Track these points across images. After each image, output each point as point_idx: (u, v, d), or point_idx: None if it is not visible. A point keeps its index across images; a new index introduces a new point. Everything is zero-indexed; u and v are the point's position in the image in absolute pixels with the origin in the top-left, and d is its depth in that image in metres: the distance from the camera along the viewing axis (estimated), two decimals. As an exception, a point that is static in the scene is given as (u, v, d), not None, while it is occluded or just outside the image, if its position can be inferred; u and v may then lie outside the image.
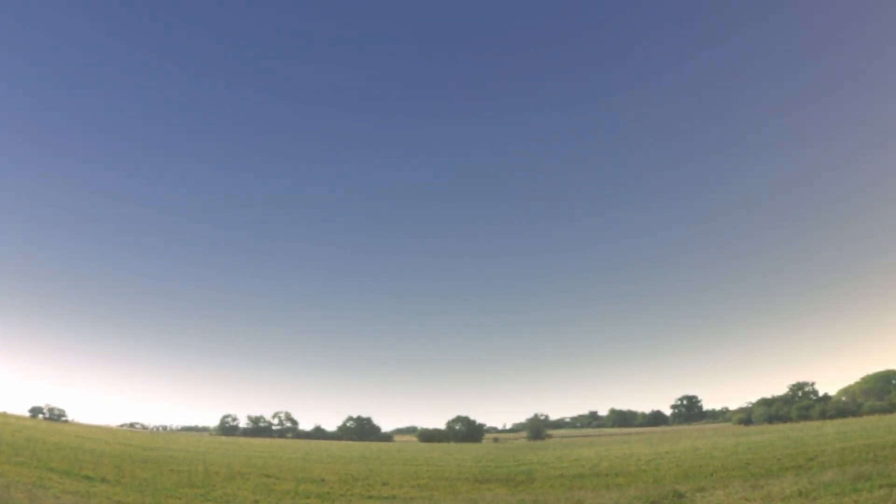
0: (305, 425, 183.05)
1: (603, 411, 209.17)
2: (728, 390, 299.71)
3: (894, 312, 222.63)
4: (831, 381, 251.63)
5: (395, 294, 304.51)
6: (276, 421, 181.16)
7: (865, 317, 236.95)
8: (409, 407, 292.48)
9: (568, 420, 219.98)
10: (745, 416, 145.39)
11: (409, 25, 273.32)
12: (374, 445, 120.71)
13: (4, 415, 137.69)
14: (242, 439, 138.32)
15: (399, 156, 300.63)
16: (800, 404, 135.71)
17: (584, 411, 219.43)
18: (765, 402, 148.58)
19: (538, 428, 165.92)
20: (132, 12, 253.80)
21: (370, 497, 26.89)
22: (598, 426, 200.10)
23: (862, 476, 21.06)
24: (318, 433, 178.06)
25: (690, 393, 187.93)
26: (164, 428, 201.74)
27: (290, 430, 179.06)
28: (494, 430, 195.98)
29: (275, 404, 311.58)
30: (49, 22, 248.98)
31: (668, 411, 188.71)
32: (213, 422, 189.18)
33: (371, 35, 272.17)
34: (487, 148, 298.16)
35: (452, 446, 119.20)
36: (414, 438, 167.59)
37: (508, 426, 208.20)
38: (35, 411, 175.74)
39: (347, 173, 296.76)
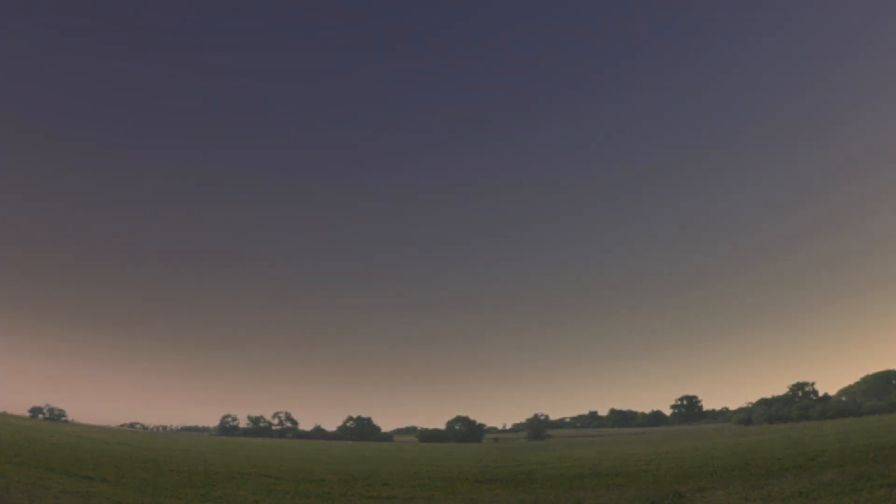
0: (305, 425, 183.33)
1: (603, 411, 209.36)
2: (728, 390, 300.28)
3: (894, 312, 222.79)
4: (831, 381, 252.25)
5: (395, 295, 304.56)
6: (276, 421, 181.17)
7: (865, 317, 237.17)
8: (409, 407, 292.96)
9: (568, 420, 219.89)
10: (745, 416, 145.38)
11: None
12: (374, 446, 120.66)
13: (4, 415, 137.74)
14: (242, 439, 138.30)
15: (410, 155, 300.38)
16: (800, 404, 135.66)
17: (584, 411, 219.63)
18: (765, 402, 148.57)
19: (538, 428, 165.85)
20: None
21: (370, 497, 26.85)
22: (598, 426, 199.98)
23: (862, 476, 21.05)
24: (318, 433, 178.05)
25: (690, 393, 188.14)
26: (164, 428, 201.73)
27: (290, 430, 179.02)
28: (494, 430, 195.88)
29: (275, 404, 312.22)
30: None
31: (668, 411, 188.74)
32: (213, 422, 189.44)
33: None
34: (492, 151, 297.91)
35: (452, 446, 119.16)
36: (414, 439, 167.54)
37: (508, 426, 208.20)
38: (35, 411, 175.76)
39: (342, 173, 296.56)
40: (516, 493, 27.17)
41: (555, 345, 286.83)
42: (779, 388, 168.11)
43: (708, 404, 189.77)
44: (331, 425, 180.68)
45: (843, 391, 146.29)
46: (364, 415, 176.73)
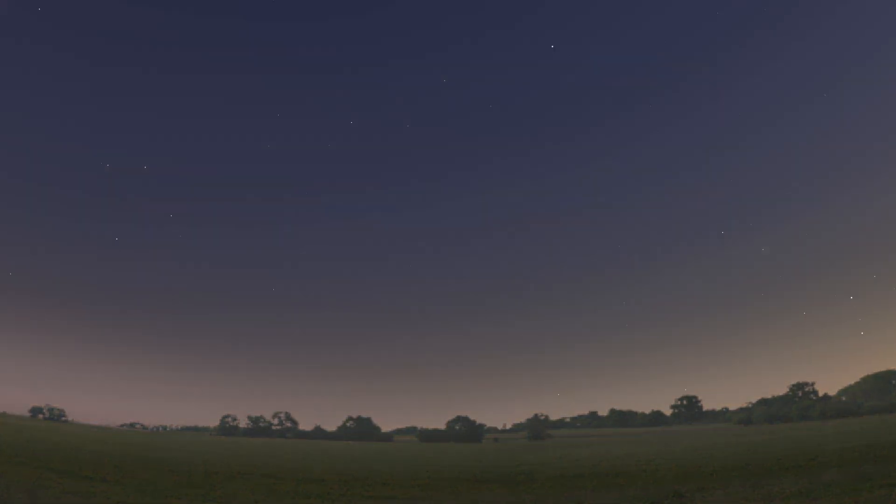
0: (305, 425, 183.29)
1: (603, 411, 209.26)
2: (728, 390, 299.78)
3: (894, 312, 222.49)
4: (831, 381, 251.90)
5: (395, 294, 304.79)
6: (276, 421, 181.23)
7: (865, 317, 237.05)
8: (409, 407, 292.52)
9: (568, 420, 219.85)
10: (745, 416, 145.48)
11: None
12: (374, 446, 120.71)
13: (4, 415, 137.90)
14: (242, 439, 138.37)
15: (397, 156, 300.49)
16: (800, 404, 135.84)
17: (584, 411, 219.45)
18: (765, 402, 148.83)
19: (538, 428, 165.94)
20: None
21: (370, 497, 26.83)
22: (598, 426, 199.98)
23: (862, 476, 21.07)
24: (318, 433, 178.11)
25: (690, 393, 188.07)
26: (164, 428, 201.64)
27: (290, 430, 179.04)
28: (494, 430, 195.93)
29: (275, 404, 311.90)
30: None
31: (668, 411, 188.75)
32: (213, 422, 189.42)
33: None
34: (491, 149, 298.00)
35: (452, 446, 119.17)
36: (414, 439, 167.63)
37: (508, 426, 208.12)
38: (35, 411, 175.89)
39: (347, 178, 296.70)
40: (516, 493, 27.16)
41: (555, 345, 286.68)
42: (779, 388, 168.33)
43: (708, 404, 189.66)
44: (331, 425, 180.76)
45: (843, 391, 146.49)
46: (364, 415, 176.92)
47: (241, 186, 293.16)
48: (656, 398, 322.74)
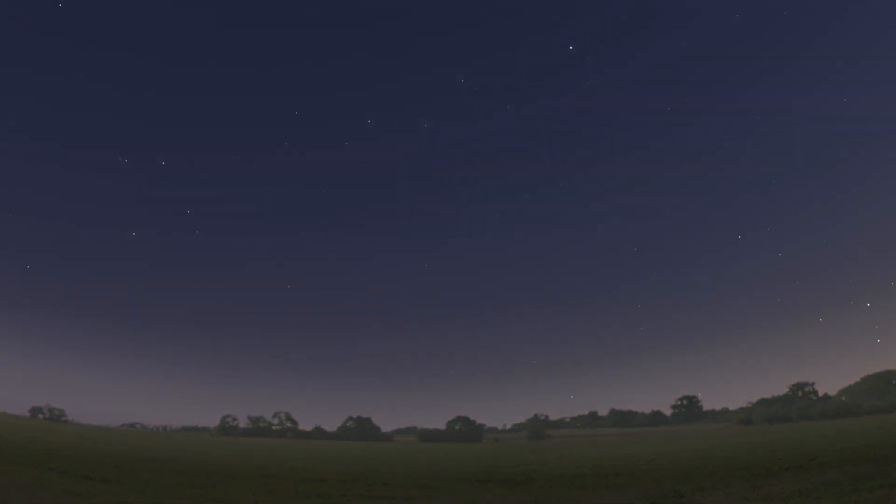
0: (305, 425, 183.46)
1: (603, 411, 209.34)
2: (728, 390, 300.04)
3: (894, 312, 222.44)
4: (831, 381, 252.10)
5: (395, 293, 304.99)
6: (276, 421, 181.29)
7: (865, 317, 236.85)
8: (409, 407, 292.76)
9: (568, 420, 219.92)
10: (745, 416, 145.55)
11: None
12: (374, 446, 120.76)
13: (4, 415, 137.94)
14: (242, 439, 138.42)
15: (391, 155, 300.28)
16: (800, 404, 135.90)
17: (584, 411, 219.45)
18: (765, 402, 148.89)
19: (538, 428, 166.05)
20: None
21: (370, 497, 26.81)
22: (598, 426, 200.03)
23: (862, 476, 21.07)
24: (318, 433, 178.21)
25: (690, 393, 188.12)
26: (164, 428, 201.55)
27: (290, 430, 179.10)
28: (494, 430, 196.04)
29: (275, 404, 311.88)
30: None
31: (668, 411, 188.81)
32: (213, 422, 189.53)
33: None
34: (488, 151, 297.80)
35: (452, 446, 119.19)
36: (414, 439, 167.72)
37: (508, 426, 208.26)
38: (35, 411, 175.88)
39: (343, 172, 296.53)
40: (516, 493, 27.15)
41: (555, 345, 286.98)
42: (779, 388, 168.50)
43: (708, 404, 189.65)
44: (331, 425, 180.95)
45: (843, 391, 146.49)
46: (364, 415, 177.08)
47: (243, 186, 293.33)
48: (656, 398, 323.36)
